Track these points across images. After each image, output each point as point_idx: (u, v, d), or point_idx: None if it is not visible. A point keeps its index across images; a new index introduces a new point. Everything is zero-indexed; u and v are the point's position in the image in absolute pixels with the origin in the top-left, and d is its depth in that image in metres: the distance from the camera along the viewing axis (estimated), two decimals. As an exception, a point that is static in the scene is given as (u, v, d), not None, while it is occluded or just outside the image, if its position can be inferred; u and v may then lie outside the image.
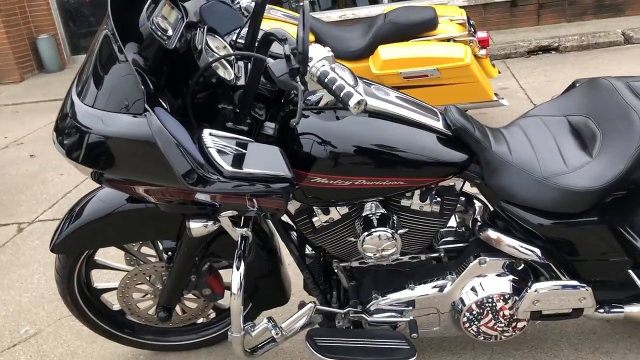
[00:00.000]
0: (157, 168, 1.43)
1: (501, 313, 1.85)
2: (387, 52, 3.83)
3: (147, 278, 2.08)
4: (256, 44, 1.75)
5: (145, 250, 2.14)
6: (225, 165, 1.47)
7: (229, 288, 2.11)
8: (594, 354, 2.06)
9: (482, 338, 1.91)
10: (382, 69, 3.80)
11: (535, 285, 1.79)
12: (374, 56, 3.89)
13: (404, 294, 1.90)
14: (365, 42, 3.96)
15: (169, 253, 2.01)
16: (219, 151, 1.49)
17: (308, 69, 1.40)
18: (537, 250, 1.80)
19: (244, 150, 1.53)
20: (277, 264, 2.11)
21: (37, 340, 2.54)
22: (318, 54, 1.41)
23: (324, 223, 1.84)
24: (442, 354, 2.13)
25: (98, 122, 1.45)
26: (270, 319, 1.85)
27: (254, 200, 1.56)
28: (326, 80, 1.37)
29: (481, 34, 3.99)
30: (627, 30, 5.97)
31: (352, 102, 1.32)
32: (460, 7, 5.28)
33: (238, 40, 1.91)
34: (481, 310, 1.85)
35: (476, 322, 1.88)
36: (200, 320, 2.28)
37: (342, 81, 1.35)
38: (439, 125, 1.79)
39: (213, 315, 2.29)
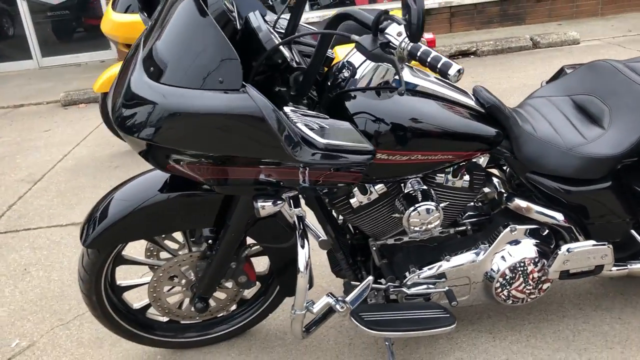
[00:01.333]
0: (258, 141, 1.44)
1: (531, 276, 2.01)
2: (344, 52, 3.95)
3: (182, 270, 2.04)
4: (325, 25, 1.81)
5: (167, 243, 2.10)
6: (318, 138, 1.51)
7: (259, 276, 2.15)
8: (595, 311, 2.29)
9: (510, 302, 2.07)
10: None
11: (566, 246, 1.98)
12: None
13: (441, 266, 2.01)
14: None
15: (209, 241, 1.99)
16: (306, 126, 1.53)
17: (397, 44, 1.48)
18: (561, 215, 1.99)
19: (325, 125, 1.58)
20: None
21: (34, 352, 2.38)
22: (404, 30, 1.49)
23: (362, 203, 1.91)
24: (462, 324, 2.26)
25: (187, 100, 1.44)
26: (330, 294, 1.89)
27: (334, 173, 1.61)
28: (419, 53, 1.46)
29: (428, 35, 4.22)
30: (534, 36, 6.55)
31: (452, 71, 1.42)
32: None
33: (276, 27, 1.94)
34: (513, 275, 2.00)
35: (508, 287, 2.03)
36: (221, 314, 2.25)
37: (436, 53, 1.45)
38: (472, 103, 1.93)
39: (233, 307, 2.28)
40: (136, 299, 2.25)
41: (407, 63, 1.65)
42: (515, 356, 2.10)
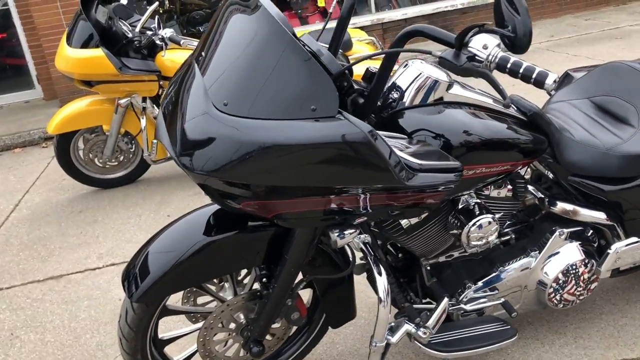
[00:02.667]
0: (365, 168, 1.36)
1: (582, 277, 2.04)
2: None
3: (233, 315, 1.90)
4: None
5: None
6: (412, 159, 1.45)
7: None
8: (628, 304, 2.35)
9: (561, 306, 2.08)
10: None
11: (616, 245, 2.02)
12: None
13: (496, 278, 2.00)
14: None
15: (263, 280, 1.87)
16: (396, 148, 1.47)
17: (485, 56, 1.45)
18: (604, 214, 2.03)
19: (410, 146, 1.52)
20: (352, 276, 2.07)
21: None
22: (492, 41, 1.47)
23: (412, 222, 1.87)
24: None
25: (282, 134, 1.34)
26: (407, 321, 1.82)
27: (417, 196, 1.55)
28: (509, 65, 1.43)
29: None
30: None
31: (549, 80, 1.40)
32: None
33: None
34: (566, 278, 2.02)
35: (561, 291, 2.04)
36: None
37: (527, 63, 1.43)
38: (515, 112, 1.93)
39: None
40: (174, 353, 2.08)
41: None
42: (569, 359, 2.11)
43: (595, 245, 2.09)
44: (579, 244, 2.04)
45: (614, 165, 1.96)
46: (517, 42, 1.41)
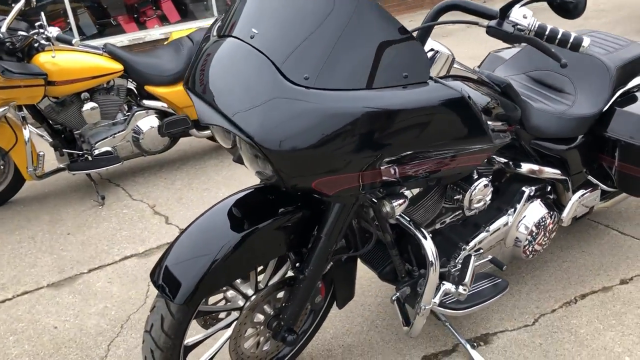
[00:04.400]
0: (460, 129, 1.42)
1: (548, 228, 2.31)
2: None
3: (264, 307, 1.83)
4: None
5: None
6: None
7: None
8: (562, 250, 2.71)
9: (531, 256, 2.34)
10: (212, 88, 3.80)
11: (575, 196, 2.32)
12: (196, 77, 3.86)
13: (485, 237, 2.18)
14: (181, 64, 3.88)
15: (297, 264, 1.83)
16: None
17: (526, 25, 1.58)
18: (559, 171, 2.33)
19: None
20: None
21: None
22: (528, 12, 1.60)
23: (416, 193, 1.98)
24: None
25: (374, 102, 1.34)
26: (443, 282, 1.90)
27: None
28: (547, 32, 1.59)
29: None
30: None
31: (585, 43, 1.58)
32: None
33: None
34: (538, 231, 2.27)
35: (533, 243, 2.29)
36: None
37: (562, 29, 1.60)
38: (492, 84, 2.13)
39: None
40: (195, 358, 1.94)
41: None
42: (539, 302, 2.38)
43: (553, 198, 2.38)
44: (542, 200, 2.31)
45: (568, 127, 2.26)
46: (573, 8, 1.57)
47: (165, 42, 4.27)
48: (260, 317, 1.86)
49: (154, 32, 7.17)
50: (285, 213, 1.73)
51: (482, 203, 2.04)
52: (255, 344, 1.90)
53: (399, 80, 1.38)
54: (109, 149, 3.76)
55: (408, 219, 1.82)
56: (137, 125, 3.83)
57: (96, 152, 3.73)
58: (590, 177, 2.52)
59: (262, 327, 1.88)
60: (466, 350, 2.15)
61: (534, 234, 2.26)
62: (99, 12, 7.35)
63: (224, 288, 1.81)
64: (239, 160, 1.63)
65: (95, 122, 3.74)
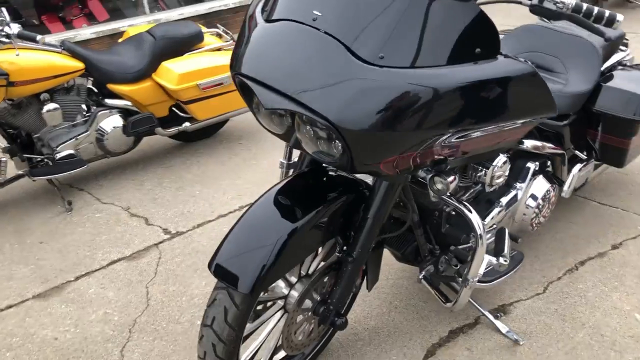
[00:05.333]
0: (530, 100, 1.47)
1: (551, 200, 2.44)
2: (178, 66, 3.75)
3: (313, 294, 1.83)
4: None
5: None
6: None
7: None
8: (550, 222, 2.87)
9: (536, 228, 2.46)
10: (180, 83, 3.71)
11: (575, 169, 2.46)
12: (161, 73, 3.75)
13: (499, 212, 2.27)
14: (145, 61, 3.75)
15: (344, 248, 1.83)
16: None
17: (564, 3, 1.66)
18: (555, 145, 2.46)
19: None
20: None
21: None
22: None
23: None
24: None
25: (452, 78, 1.37)
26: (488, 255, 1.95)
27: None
28: (584, 9, 1.68)
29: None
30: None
31: (620, 18, 1.68)
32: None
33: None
34: (544, 203, 2.39)
35: (539, 215, 2.41)
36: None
37: (596, 7, 1.69)
38: None
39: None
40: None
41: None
42: (543, 272, 2.51)
43: (551, 172, 2.51)
44: (544, 174, 2.44)
45: (566, 104, 2.39)
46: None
47: (120, 39, 4.11)
48: (308, 304, 1.84)
49: (85, 32, 6.84)
50: (333, 198, 1.72)
51: (502, 179, 2.12)
52: (303, 331, 1.89)
53: (471, 55, 1.41)
54: (71, 152, 3.57)
55: (453, 195, 1.87)
56: (100, 126, 3.66)
57: (58, 156, 3.52)
58: (576, 152, 2.68)
59: (309, 314, 1.86)
60: (490, 321, 2.23)
61: (540, 206, 2.38)
62: (19, 11, 6.93)
63: None
64: (295, 145, 1.61)
65: (55, 125, 3.54)
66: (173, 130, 3.95)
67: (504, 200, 2.30)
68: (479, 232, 1.81)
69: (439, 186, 1.69)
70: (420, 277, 2.11)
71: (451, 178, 1.70)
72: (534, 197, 2.36)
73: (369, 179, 1.84)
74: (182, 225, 3.23)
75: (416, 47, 1.38)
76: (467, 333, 2.22)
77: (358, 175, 1.84)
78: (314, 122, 1.48)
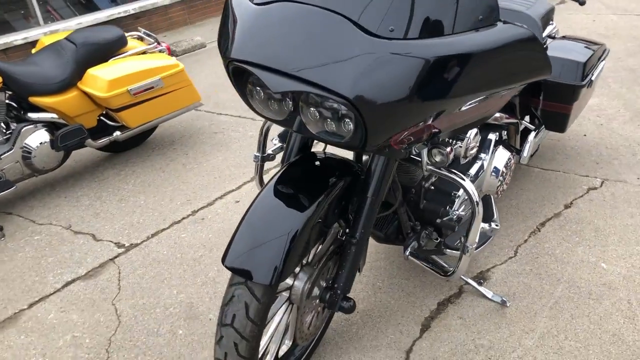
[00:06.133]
0: (529, 63, 1.52)
1: (512, 167, 2.55)
2: (106, 72, 3.56)
3: (320, 280, 1.80)
4: None
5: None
6: None
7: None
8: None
9: (500, 195, 2.57)
10: (110, 90, 3.53)
11: (531, 136, 2.58)
12: (88, 81, 3.55)
13: (470, 184, 2.35)
14: (68, 69, 3.53)
15: (347, 230, 1.82)
16: None
17: None
18: (511, 115, 2.58)
19: None
20: None
21: None
22: None
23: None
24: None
25: (458, 46, 1.39)
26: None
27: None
28: None
29: (164, 44, 4.14)
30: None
31: None
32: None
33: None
34: (506, 171, 2.50)
35: (503, 182, 2.51)
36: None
37: None
38: None
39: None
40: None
41: None
42: (509, 237, 2.63)
43: (507, 141, 2.63)
44: (505, 141, 2.55)
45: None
46: None
47: (34, 50, 3.84)
48: (315, 292, 1.82)
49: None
50: (333, 183, 1.71)
51: (474, 150, 2.19)
52: (312, 320, 1.86)
53: (475, 23, 1.45)
54: (-5, 173, 3.30)
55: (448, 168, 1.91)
56: (25, 143, 3.40)
57: (-19, 179, 3.25)
58: (523, 121, 2.83)
59: (317, 302, 1.84)
60: (474, 288, 2.31)
61: (504, 174, 2.48)
62: None
63: None
64: (299, 129, 1.58)
65: (-27, 145, 3.26)
66: (104, 140, 3.75)
67: (472, 171, 2.38)
68: (474, 199, 1.86)
69: (438, 158, 1.72)
70: (407, 254, 2.14)
71: (449, 149, 1.74)
72: (497, 166, 2.45)
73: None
74: (135, 236, 3.07)
75: (424, 19, 1.40)
76: (455, 303, 2.28)
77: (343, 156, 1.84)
78: (321, 103, 1.46)
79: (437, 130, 1.66)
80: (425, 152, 1.78)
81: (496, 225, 2.07)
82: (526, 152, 2.62)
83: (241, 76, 1.60)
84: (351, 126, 1.46)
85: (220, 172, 3.67)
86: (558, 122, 2.80)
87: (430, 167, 1.82)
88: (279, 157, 3.18)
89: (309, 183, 1.69)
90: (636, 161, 3.15)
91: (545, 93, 2.74)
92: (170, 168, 3.85)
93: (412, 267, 2.49)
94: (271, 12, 1.48)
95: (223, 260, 1.54)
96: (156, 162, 3.97)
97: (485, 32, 1.46)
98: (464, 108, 1.61)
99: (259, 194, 1.66)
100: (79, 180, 3.82)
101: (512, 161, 2.47)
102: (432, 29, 1.39)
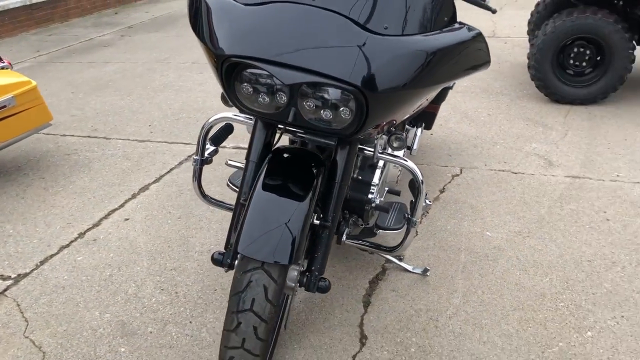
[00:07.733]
0: (478, 56, 1.82)
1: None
2: None
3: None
4: None
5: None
6: None
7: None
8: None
9: (397, 184, 2.90)
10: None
11: (418, 131, 2.96)
12: None
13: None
14: None
15: (321, 215, 1.96)
16: None
17: None
18: (399, 114, 2.94)
19: None
20: None
21: None
22: None
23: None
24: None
25: (434, 43, 1.65)
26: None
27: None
28: None
29: (6, 60, 3.80)
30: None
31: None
32: None
33: None
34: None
35: (400, 171, 2.86)
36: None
37: None
38: None
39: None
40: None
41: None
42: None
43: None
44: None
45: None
46: None
47: None
48: (294, 277, 1.92)
49: None
50: (317, 172, 1.87)
51: (400, 141, 2.48)
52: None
53: (444, 24, 1.74)
54: None
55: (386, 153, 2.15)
56: None
57: None
58: (400, 120, 3.22)
59: (297, 284, 1.94)
60: (396, 265, 2.59)
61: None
62: None
63: None
64: (295, 119, 1.71)
65: None
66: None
67: (380, 162, 2.67)
68: (420, 178, 2.13)
69: (396, 144, 1.96)
70: (344, 240, 2.34)
71: (404, 135, 1.99)
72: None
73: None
74: (20, 266, 2.79)
75: (412, 19, 1.65)
76: (384, 279, 2.53)
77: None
78: (320, 94, 1.63)
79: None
80: (385, 138, 2.01)
81: (429, 201, 2.37)
82: (416, 145, 3.00)
83: (230, 73, 1.69)
84: (348, 114, 1.64)
85: (93, 192, 3.48)
86: (427, 120, 3.24)
87: (380, 154, 2.05)
88: (216, 159, 3.14)
89: (299, 173, 1.81)
90: (478, 152, 3.75)
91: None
92: (30, 193, 3.53)
93: (335, 254, 2.69)
94: (274, 12, 1.63)
95: (237, 249, 1.59)
96: (9, 189, 3.60)
97: (454, 31, 1.75)
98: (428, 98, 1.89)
99: (254, 187, 1.73)
100: None
101: (407, 152, 2.83)
102: (416, 28, 1.65)
